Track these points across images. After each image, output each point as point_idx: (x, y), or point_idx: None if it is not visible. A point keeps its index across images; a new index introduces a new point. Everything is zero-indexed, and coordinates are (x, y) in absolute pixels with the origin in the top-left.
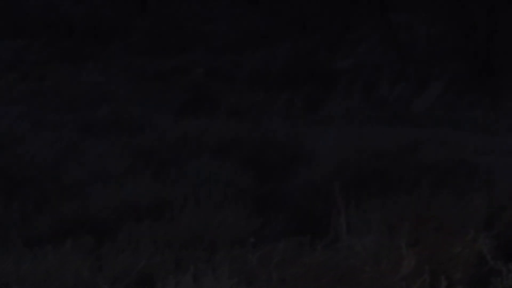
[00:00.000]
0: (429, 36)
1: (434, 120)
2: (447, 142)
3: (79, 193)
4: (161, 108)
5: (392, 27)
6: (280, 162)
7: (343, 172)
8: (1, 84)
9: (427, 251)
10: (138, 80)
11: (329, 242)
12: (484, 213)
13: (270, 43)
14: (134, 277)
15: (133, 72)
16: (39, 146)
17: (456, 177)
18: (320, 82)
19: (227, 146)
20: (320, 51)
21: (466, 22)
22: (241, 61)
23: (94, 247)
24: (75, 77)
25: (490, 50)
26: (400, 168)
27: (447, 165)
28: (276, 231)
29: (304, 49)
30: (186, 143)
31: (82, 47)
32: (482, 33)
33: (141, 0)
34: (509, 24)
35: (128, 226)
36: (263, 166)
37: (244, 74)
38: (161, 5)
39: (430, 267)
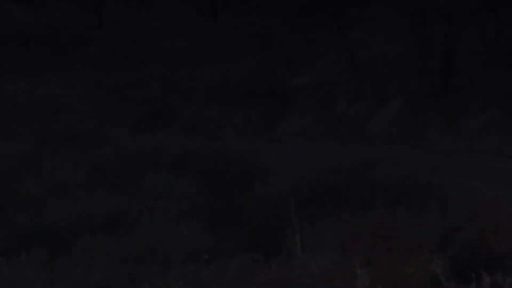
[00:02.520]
0: (386, 55)
1: (390, 139)
2: (402, 161)
3: (34, 205)
4: (118, 122)
5: (349, 45)
6: (236, 178)
7: (298, 189)
8: None
9: (380, 270)
10: (95, 93)
11: (284, 260)
12: (438, 234)
13: (228, 59)
14: None
15: (90, 85)
16: None
17: (411, 196)
18: (277, 98)
19: (183, 161)
20: (278, 67)
21: (424, 42)
22: (198, 76)
23: (49, 259)
24: (31, 88)
25: (447, 70)
26: (355, 186)
27: (402, 184)
28: (230, 247)
29: (262, 65)
30: (142, 158)
31: (39, 58)
32: (440, 52)
33: (98, 14)
34: (466, 44)
35: (83, 239)
36: (218, 182)
37: (201, 89)
38: (119, 19)
39: (383, 287)
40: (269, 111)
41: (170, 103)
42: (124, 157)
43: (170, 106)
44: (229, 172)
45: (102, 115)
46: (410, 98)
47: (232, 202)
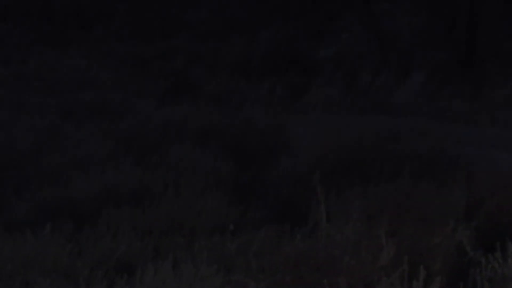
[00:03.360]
0: (412, 26)
1: (415, 109)
2: (427, 133)
3: (59, 178)
4: (143, 94)
5: (374, 17)
6: (261, 150)
7: (324, 161)
8: None
9: (406, 241)
10: (120, 66)
11: (309, 231)
12: (464, 204)
13: (252, 31)
14: (113, 263)
15: (115, 58)
16: (19, 130)
17: (436, 167)
18: (302, 70)
19: (208, 133)
20: (303, 39)
21: (449, 13)
22: (223, 49)
23: (74, 232)
24: (57, 61)
25: (472, 41)
26: (380, 158)
27: (428, 156)
28: (256, 219)
29: (287, 37)
30: (167, 130)
31: (65, 32)
32: (464, 23)
33: None
34: (491, 15)
35: (108, 212)
36: (244, 154)
37: (226, 62)
38: None
39: (409, 257)
40: (294, 83)
41: (195, 75)
42: (149, 129)
43: (195, 79)
44: (254, 144)
45: (127, 88)
46: (435, 69)
47: (257, 174)
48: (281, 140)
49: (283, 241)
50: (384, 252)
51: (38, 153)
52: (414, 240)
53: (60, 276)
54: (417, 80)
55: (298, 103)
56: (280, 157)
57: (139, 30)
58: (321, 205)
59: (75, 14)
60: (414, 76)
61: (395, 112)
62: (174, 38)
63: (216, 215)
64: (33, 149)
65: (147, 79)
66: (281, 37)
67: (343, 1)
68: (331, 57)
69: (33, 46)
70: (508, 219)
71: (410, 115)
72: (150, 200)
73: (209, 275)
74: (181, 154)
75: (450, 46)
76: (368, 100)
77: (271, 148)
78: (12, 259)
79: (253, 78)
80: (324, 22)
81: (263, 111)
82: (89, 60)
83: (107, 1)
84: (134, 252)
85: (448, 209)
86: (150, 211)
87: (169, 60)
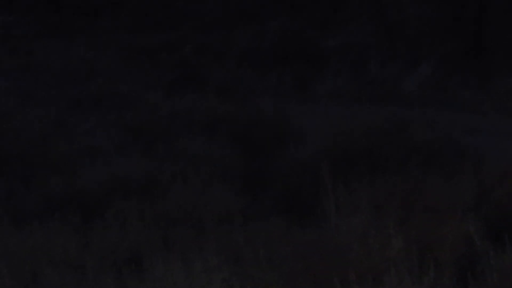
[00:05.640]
0: (419, 15)
1: (423, 99)
2: (436, 122)
3: (67, 169)
4: (150, 85)
5: (381, 6)
6: (269, 140)
7: (331, 151)
8: None
9: (414, 231)
10: (127, 56)
11: (317, 222)
12: (473, 194)
13: (260, 21)
14: (121, 254)
15: (122, 48)
16: (27, 121)
17: (445, 157)
18: (309, 60)
19: (215, 123)
20: (310, 29)
21: (457, 2)
22: (231, 39)
23: (81, 223)
24: (63, 52)
25: (480, 30)
26: (388, 148)
27: (436, 145)
28: (264, 209)
29: (294, 27)
30: (175, 120)
31: (71, 22)
32: (472, 12)
33: None
34: (499, 4)
35: (116, 202)
36: (251, 144)
37: (233, 52)
38: None
39: (417, 247)
40: (301, 73)
41: (202, 65)
42: (157, 120)
43: (202, 69)
44: (262, 134)
45: (134, 78)
46: (442, 59)
47: (265, 164)
48: (288, 130)
49: (291, 231)
50: (392, 242)
51: (45, 144)
52: (422, 230)
53: (68, 267)
54: (425, 69)
55: (305, 93)
56: (288, 147)
57: (146, 21)
58: (329, 195)
59: (81, 4)
60: (421, 66)
61: (403, 102)
62: (181, 28)
63: (224, 205)
64: (40, 140)
65: (155, 69)
66: (289, 27)
67: None
68: (339, 47)
69: (39, 37)
70: None
71: (418, 104)
72: (157, 191)
73: (217, 265)
74: (188, 144)
75: (458, 35)
76: (375, 89)
77: (279, 137)
78: (20, 250)
79: (260, 68)
80: (332, 12)
81: (270, 101)
82: (95, 50)
83: None
84: (142, 243)
85: (456, 199)
86: (158, 202)
87: (176, 51)
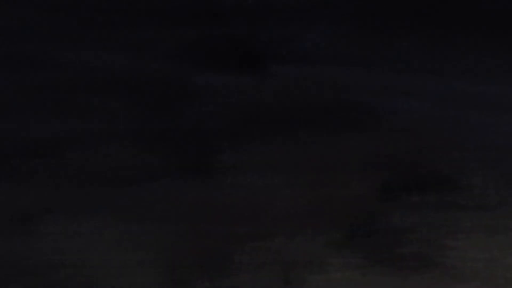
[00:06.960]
0: None
1: (324, 59)
2: (332, 82)
3: None
4: (58, 41)
5: None
6: (167, 99)
7: (227, 112)
8: None
9: (304, 190)
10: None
11: (211, 180)
12: (367, 154)
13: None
14: (9, 213)
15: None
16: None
17: (339, 116)
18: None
19: (116, 82)
20: None
21: None
22: None
23: None
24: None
25: None
26: (283, 109)
27: (328, 104)
28: (159, 169)
29: None
30: (78, 79)
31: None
32: None
33: None
34: None
35: (10, 162)
36: (152, 103)
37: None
38: None
39: (309, 208)
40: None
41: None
42: (58, 79)
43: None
44: (162, 93)
45: (43, 34)
46: (342, 19)
47: (163, 124)
48: (187, 89)
49: (184, 190)
50: (279, 202)
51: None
52: (312, 190)
53: None
54: (324, 29)
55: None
56: (185, 106)
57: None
58: (223, 155)
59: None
60: (320, 26)
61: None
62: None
63: (119, 165)
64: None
65: (60, 22)
66: None
67: None
68: None
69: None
70: (413, 168)
71: (320, 64)
72: (56, 151)
73: (107, 226)
74: (90, 103)
75: None
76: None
77: (177, 97)
78: None
79: (170, 26)
80: None
81: (170, 62)
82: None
83: None
84: (32, 202)
85: (350, 159)
86: (62, 162)
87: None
